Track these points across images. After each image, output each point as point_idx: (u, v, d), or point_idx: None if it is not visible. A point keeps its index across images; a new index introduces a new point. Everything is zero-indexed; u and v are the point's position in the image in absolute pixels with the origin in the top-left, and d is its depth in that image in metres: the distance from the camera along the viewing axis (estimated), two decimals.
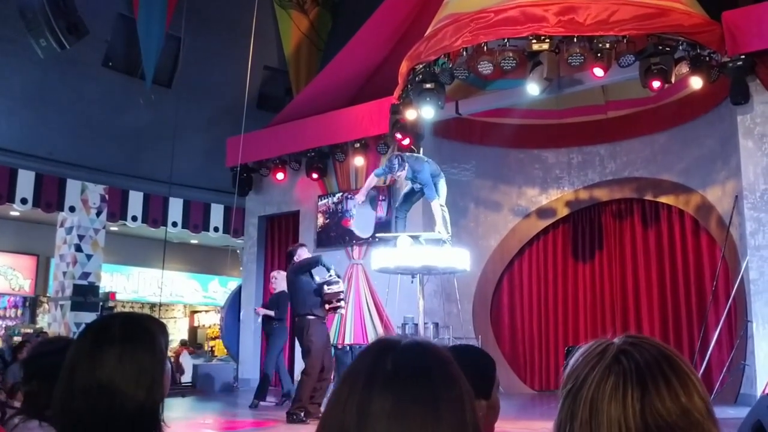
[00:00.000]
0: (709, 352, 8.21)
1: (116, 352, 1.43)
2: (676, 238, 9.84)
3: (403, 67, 8.51)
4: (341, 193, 10.84)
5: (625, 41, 7.34)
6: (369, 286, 10.16)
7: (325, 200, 11.00)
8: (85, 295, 12.63)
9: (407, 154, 8.21)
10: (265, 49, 13.63)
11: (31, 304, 15.56)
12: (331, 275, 7.26)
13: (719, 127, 8.82)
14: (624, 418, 0.90)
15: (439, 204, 7.64)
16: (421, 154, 8.37)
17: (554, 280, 10.81)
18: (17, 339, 11.42)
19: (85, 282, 12.85)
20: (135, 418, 1.41)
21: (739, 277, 7.97)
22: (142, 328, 1.51)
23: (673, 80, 7.53)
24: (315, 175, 10.90)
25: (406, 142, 9.34)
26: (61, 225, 13.18)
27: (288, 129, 11.16)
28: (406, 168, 7.57)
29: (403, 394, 0.86)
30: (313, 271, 7.39)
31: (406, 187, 8.06)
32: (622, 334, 1.00)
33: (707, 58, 7.63)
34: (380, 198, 10.42)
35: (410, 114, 8.82)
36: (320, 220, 11.00)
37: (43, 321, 14.85)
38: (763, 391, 6.42)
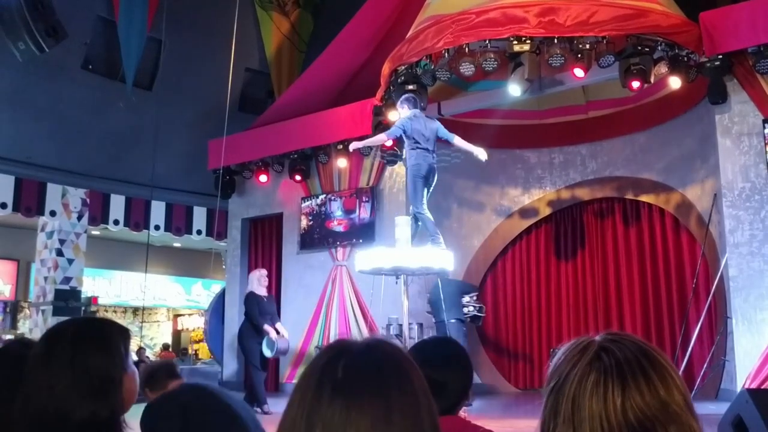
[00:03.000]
0: (690, 349, 8.30)
1: (68, 356, 1.41)
2: (656, 237, 9.95)
3: (385, 69, 8.54)
4: (324, 195, 10.84)
5: (604, 42, 7.42)
6: (353, 287, 10.17)
7: (309, 202, 10.99)
8: (66, 299, 12.53)
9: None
10: (247, 51, 13.60)
11: (11, 310, 15.41)
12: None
13: (698, 127, 8.93)
14: (605, 413, 0.92)
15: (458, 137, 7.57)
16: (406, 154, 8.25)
17: (537, 279, 10.88)
18: None
19: (66, 287, 12.75)
20: (88, 427, 1.38)
21: (719, 274, 8.07)
22: (96, 331, 1.49)
23: (652, 80, 7.63)
24: (298, 177, 10.89)
25: (389, 143, 9.36)
26: (42, 229, 13.06)
27: (270, 131, 11.15)
28: (418, 112, 7.46)
29: (353, 401, 0.84)
30: None
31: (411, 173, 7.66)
32: (604, 331, 1.03)
33: (685, 59, 7.72)
34: (364, 199, 10.44)
35: (393, 115, 8.84)
36: (304, 222, 10.99)
37: (24, 326, 14.71)
38: (743, 386, 6.51)
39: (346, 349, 0.91)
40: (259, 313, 8.35)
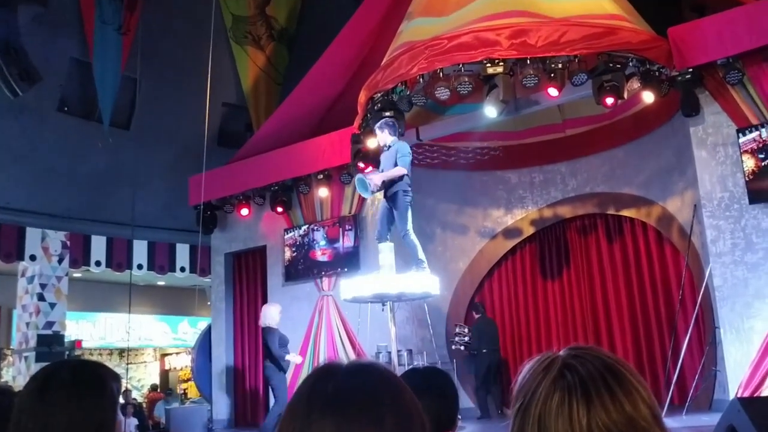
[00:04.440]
0: (680, 360, 8.30)
1: (64, 396, 1.40)
2: (640, 250, 9.99)
3: (362, 97, 8.57)
4: (307, 225, 10.80)
5: (576, 61, 7.51)
6: (340, 316, 10.10)
7: (292, 233, 10.94)
8: (49, 345, 12.33)
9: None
10: (223, 86, 13.63)
11: None
12: None
13: (674, 140, 9.03)
14: None
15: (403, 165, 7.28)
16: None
17: (524, 298, 10.87)
18: None
19: (49, 331, 12.56)
20: None
21: (704, 284, 8.10)
22: (91, 373, 1.48)
23: (625, 96, 7.71)
24: (280, 209, 10.85)
25: (369, 170, 9.37)
26: (22, 275, 12.89)
27: (250, 164, 11.13)
28: (375, 177, 7.23)
29: (345, 416, 0.84)
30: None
31: (378, 212, 7.81)
32: (568, 346, 1.01)
33: (657, 73, 7.83)
34: (347, 227, 10.41)
35: (371, 143, 8.86)
36: (287, 254, 10.92)
37: (7, 374, 14.43)
38: (735, 395, 6.50)
39: (336, 368, 0.91)
40: (279, 345, 8.63)
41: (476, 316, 10.13)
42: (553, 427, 0.91)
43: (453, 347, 9.80)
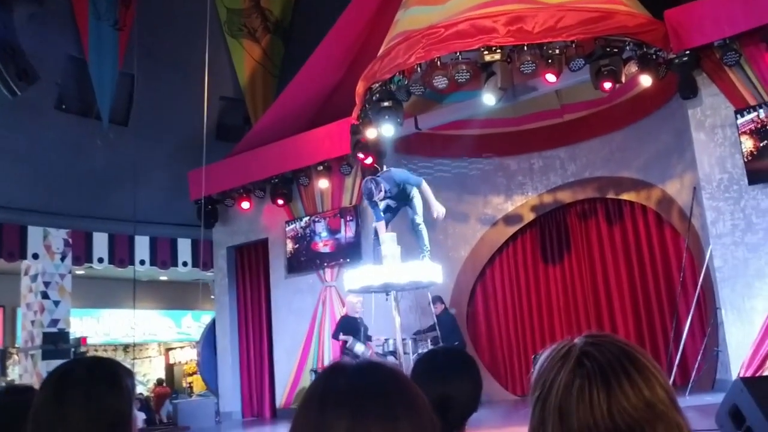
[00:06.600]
0: (682, 342, 8.35)
1: (81, 393, 1.42)
2: (640, 233, 10.02)
3: (360, 87, 8.58)
4: (308, 217, 10.83)
5: (573, 46, 7.51)
6: (344, 307, 10.13)
7: (293, 225, 10.97)
8: (55, 342, 12.37)
9: (378, 174, 8.08)
10: (220, 80, 13.59)
11: (0, 357, 15.18)
12: None
13: (672, 122, 9.04)
14: (593, 421, 0.92)
15: (424, 188, 7.70)
16: (385, 168, 8.38)
17: (527, 284, 10.91)
18: None
19: (54, 329, 12.60)
20: None
21: (705, 266, 8.15)
22: (106, 370, 1.50)
23: (623, 80, 7.72)
24: (280, 201, 10.87)
25: (369, 161, 9.39)
26: (26, 273, 12.92)
27: (249, 157, 11.14)
28: (383, 185, 7.51)
29: (359, 409, 0.85)
30: None
31: (381, 204, 7.95)
32: (584, 333, 1.03)
33: (654, 56, 7.83)
34: (348, 218, 10.44)
35: (370, 133, 8.87)
36: (289, 246, 10.96)
37: (14, 373, 14.49)
38: (738, 375, 6.56)
39: (346, 366, 0.92)
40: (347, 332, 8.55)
41: (442, 308, 9.32)
42: (574, 414, 0.93)
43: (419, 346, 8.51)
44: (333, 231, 10.53)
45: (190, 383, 18.67)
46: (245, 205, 11.29)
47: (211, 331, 12.17)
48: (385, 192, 7.56)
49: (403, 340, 7.89)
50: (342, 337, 8.50)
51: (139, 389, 15.53)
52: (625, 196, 10.14)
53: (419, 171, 10.54)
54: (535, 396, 1.00)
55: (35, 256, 12.53)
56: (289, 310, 10.84)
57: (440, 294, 9.79)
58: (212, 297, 12.81)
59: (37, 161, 12.18)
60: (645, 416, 0.92)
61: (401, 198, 7.84)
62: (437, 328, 8.62)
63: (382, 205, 7.78)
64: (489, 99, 8.07)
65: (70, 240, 13.01)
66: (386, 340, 8.25)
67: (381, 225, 7.80)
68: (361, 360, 0.94)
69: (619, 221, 10.31)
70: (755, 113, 7.63)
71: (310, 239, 10.74)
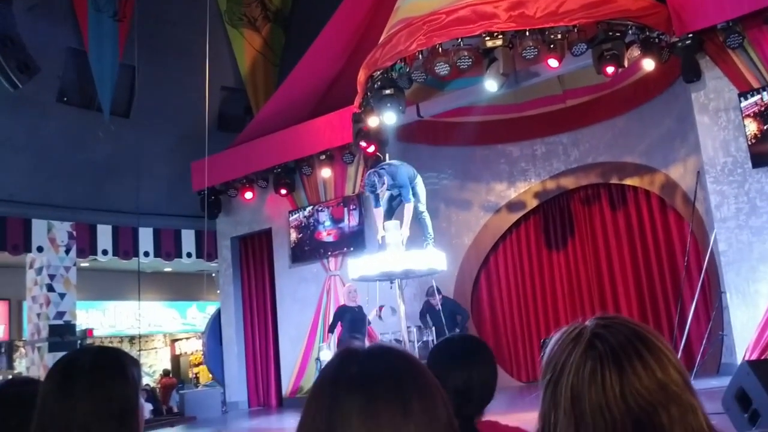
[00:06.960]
0: (687, 326, 8.34)
1: (87, 382, 1.42)
2: (644, 218, 10.01)
3: (361, 76, 8.55)
4: (311, 207, 10.83)
5: (575, 30, 7.47)
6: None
7: (296, 215, 10.97)
8: (61, 335, 12.42)
9: (381, 164, 8.09)
10: (221, 70, 13.56)
11: (6, 350, 15.26)
12: None
13: (675, 106, 9.00)
14: (606, 402, 0.91)
15: (412, 206, 7.66)
16: (389, 159, 8.38)
17: (530, 271, 10.91)
18: None
19: (60, 321, 12.64)
20: None
21: (709, 250, 8.13)
22: (112, 359, 1.50)
23: (626, 64, 7.68)
24: (283, 191, 10.87)
25: (371, 149, 9.37)
26: (31, 266, 12.95)
27: (252, 147, 11.13)
28: (386, 179, 7.55)
29: (372, 393, 0.85)
30: None
31: (385, 195, 7.96)
32: (594, 316, 1.02)
33: (657, 40, 7.79)
34: (351, 207, 10.44)
35: (372, 121, 8.85)
36: (293, 236, 10.97)
37: (21, 365, 14.56)
38: (743, 358, 6.56)
39: (357, 351, 0.92)
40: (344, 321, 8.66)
41: (439, 297, 8.79)
42: (587, 396, 0.92)
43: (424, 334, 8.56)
44: (336, 220, 10.53)
45: (196, 374, 18.74)
46: (248, 195, 11.29)
47: (216, 321, 12.21)
48: (388, 185, 7.57)
49: (408, 328, 7.91)
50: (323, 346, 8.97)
51: (146, 380, 15.60)
52: (628, 181, 10.11)
53: (421, 159, 10.53)
54: (547, 379, 0.99)
55: (40, 249, 12.56)
56: (294, 299, 10.86)
57: (444, 282, 9.80)
58: (217, 288, 12.85)
59: (39, 154, 12.18)
60: (658, 398, 0.91)
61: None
62: (441, 316, 8.55)
63: (386, 195, 7.79)
64: (491, 85, 8.03)
65: (74, 232, 13.03)
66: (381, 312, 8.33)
67: (379, 211, 7.81)
68: (374, 344, 0.94)
69: (622, 206, 10.29)
70: (759, 96, 7.60)
71: (313, 228, 10.75)
